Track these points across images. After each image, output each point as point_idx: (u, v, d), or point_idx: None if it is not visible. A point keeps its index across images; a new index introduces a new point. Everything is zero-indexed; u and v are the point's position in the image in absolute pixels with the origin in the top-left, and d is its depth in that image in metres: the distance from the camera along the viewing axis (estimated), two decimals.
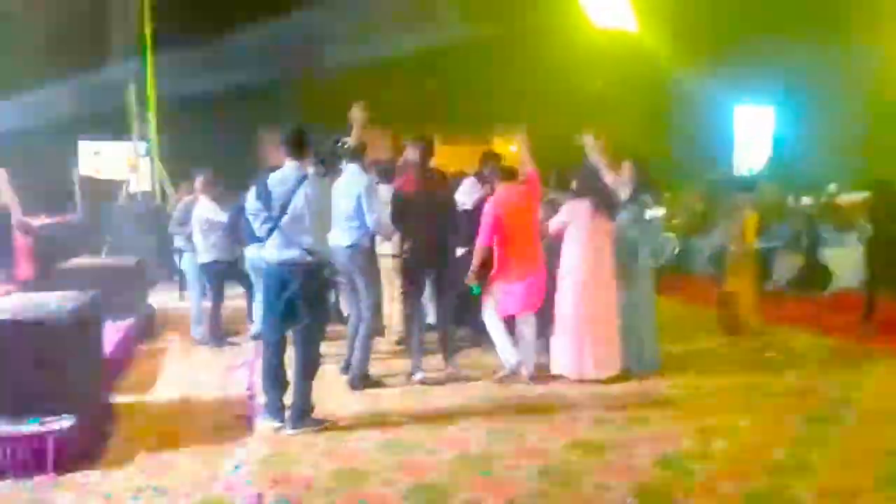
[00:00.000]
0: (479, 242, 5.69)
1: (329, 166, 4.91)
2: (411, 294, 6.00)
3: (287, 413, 4.74)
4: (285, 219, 4.61)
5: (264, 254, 4.76)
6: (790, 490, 3.61)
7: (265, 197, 4.65)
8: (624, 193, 5.80)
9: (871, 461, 3.94)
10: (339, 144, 4.90)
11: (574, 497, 3.60)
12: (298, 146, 4.72)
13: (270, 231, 4.65)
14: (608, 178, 5.75)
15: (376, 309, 5.85)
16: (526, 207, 5.76)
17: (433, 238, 5.84)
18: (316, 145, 4.80)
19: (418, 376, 5.81)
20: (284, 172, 4.71)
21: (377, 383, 5.68)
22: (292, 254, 4.63)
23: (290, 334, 4.85)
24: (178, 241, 7.68)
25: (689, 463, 3.98)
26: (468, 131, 14.60)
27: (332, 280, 4.94)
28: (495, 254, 5.73)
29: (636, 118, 14.91)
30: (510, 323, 5.82)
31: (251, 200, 4.75)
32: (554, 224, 5.75)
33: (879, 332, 7.16)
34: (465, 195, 6.58)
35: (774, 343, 6.78)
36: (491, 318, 5.80)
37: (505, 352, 5.72)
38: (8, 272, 7.26)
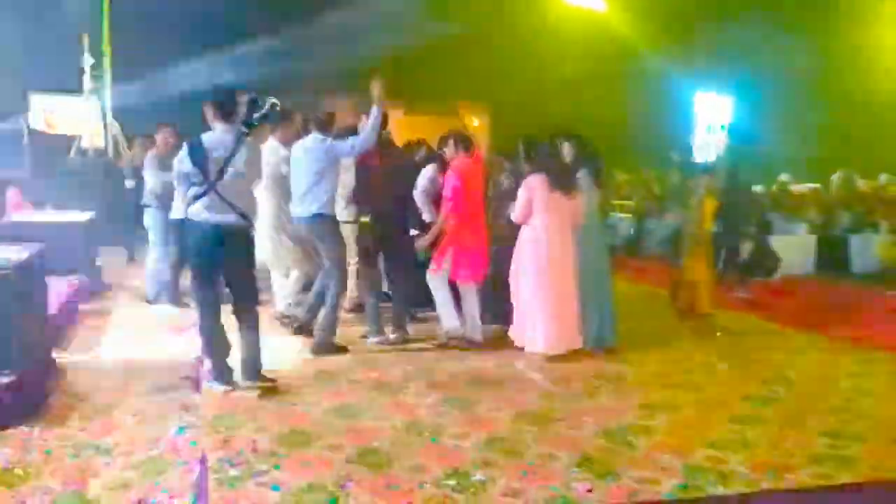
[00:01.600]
0: (446, 211, 5.79)
1: (257, 129, 4.78)
2: (367, 262, 6.02)
3: (238, 368, 4.78)
4: (222, 182, 4.56)
5: (194, 216, 4.66)
6: (726, 464, 3.71)
7: (202, 159, 4.56)
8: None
9: (804, 440, 4.07)
10: (271, 107, 4.76)
11: (519, 466, 3.65)
12: (230, 108, 4.65)
13: (203, 194, 4.58)
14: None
15: (342, 278, 5.83)
16: (479, 179, 5.95)
17: (390, 208, 5.91)
18: (246, 107, 4.66)
19: (373, 340, 5.85)
20: (218, 135, 4.65)
21: (341, 349, 5.70)
22: (227, 217, 4.59)
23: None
24: (146, 197, 7.51)
25: (632, 436, 4.07)
26: (434, 103, 14.54)
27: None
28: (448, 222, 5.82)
29: (600, 99, 14.99)
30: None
31: (185, 162, 4.64)
32: (519, 208, 5.66)
33: (821, 318, 7.38)
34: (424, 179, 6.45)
35: (722, 325, 6.94)
36: (436, 282, 5.91)
37: (448, 316, 5.90)
38: None
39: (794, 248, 10.36)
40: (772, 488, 3.48)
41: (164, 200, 7.30)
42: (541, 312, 5.55)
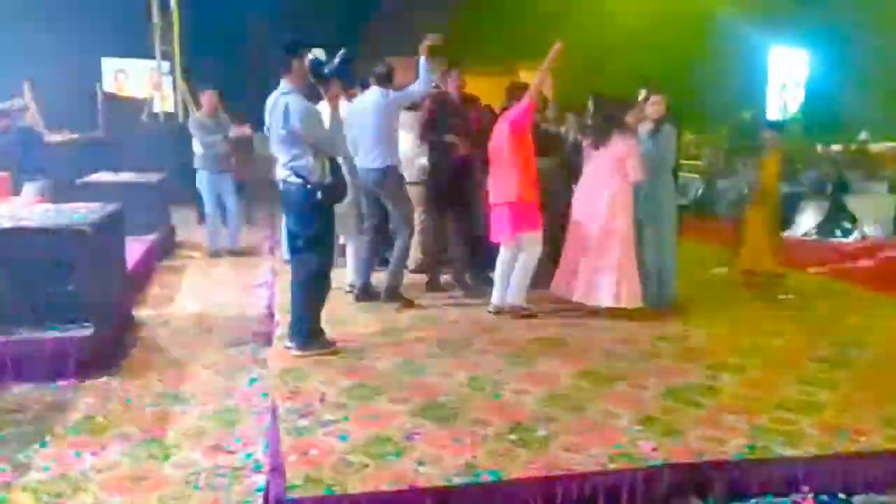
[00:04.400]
0: None
1: (321, 84, 4.62)
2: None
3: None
4: (271, 138, 4.56)
5: None
6: (795, 426, 3.64)
7: (265, 116, 4.60)
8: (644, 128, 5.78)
9: (877, 403, 3.95)
10: (341, 57, 4.60)
11: (580, 422, 3.66)
12: (286, 60, 4.46)
13: None
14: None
15: (411, 231, 5.91)
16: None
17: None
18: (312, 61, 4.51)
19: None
20: (276, 90, 4.55)
21: (407, 301, 5.78)
22: (280, 174, 4.56)
23: None
24: (195, 160, 7.81)
25: (696, 396, 4.02)
26: (494, 62, 14.32)
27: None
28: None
29: (668, 54, 14.49)
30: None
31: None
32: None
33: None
34: None
35: (791, 286, 6.75)
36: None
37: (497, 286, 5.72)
38: (40, 184, 7.20)
39: (873, 208, 9.98)
40: (843, 451, 3.41)
41: (209, 162, 7.64)
42: (584, 266, 5.54)
